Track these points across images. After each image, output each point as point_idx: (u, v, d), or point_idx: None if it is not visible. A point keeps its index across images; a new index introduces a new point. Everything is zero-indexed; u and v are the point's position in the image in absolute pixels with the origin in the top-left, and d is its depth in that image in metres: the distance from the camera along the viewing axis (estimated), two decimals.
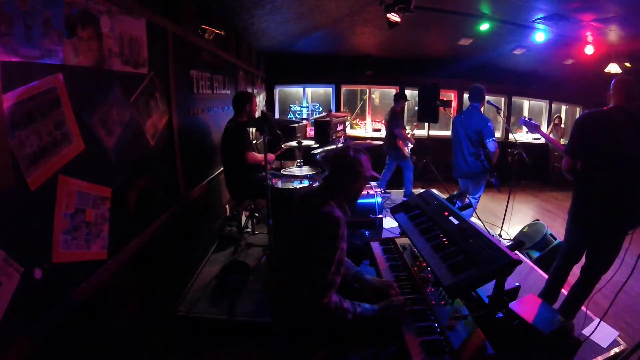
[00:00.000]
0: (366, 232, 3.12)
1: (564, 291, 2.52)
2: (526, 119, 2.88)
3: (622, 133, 2.04)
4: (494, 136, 3.62)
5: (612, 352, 2.15)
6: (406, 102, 5.53)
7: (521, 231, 3.83)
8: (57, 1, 1.29)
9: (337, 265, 1.41)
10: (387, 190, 5.38)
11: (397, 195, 5.25)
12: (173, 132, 2.44)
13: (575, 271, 2.42)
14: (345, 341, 1.56)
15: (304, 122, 5.79)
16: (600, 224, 2.14)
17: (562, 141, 6.77)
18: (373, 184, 3.39)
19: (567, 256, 2.40)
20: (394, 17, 3.71)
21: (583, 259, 2.35)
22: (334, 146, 3.44)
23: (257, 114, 3.34)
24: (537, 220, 3.90)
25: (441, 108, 5.74)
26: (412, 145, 5.24)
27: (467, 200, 3.92)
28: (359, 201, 2.98)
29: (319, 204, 1.52)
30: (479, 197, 3.93)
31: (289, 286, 1.52)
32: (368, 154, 1.69)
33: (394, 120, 5.02)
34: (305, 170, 3.12)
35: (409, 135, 5.21)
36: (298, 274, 1.48)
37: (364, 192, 3.14)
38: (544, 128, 7.81)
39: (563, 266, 2.43)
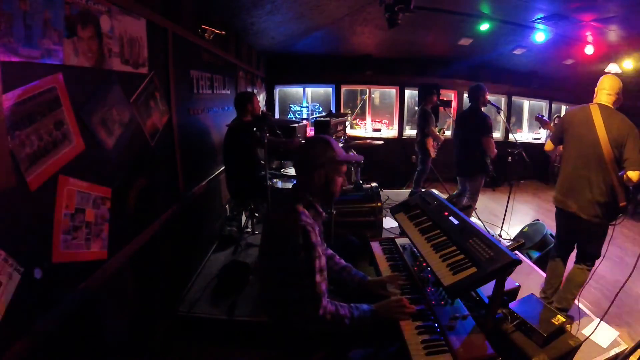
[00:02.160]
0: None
1: None
2: (540, 115, 3.26)
3: (593, 129, 2.16)
4: (490, 132, 3.63)
5: (612, 352, 2.15)
6: (437, 98, 5.30)
7: (521, 231, 3.83)
8: (57, 1, 1.29)
9: (320, 274, 1.37)
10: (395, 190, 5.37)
11: (397, 195, 5.25)
12: (173, 132, 2.44)
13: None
14: (345, 341, 1.55)
15: (304, 122, 5.80)
16: (575, 212, 2.27)
17: None
18: (373, 183, 3.38)
19: (559, 245, 2.52)
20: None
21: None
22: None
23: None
24: (537, 220, 3.90)
25: (441, 108, 5.75)
26: (439, 145, 5.18)
27: (465, 200, 3.93)
28: (359, 201, 3.02)
29: (285, 214, 1.44)
30: (477, 195, 3.94)
31: (280, 300, 1.48)
32: (331, 138, 1.53)
33: (425, 119, 5.00)
34: None
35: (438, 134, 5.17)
36: (285, 289, 1.43)
37: (364, 192, 3.13)
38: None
39: (558, 257, 2.51)
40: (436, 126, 5.28)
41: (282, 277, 1.43)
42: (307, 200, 1.49)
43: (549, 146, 2.64)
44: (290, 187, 1.63)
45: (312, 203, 1.50)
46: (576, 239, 2.44)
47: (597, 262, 2.36)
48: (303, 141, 3.33)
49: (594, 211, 2.21)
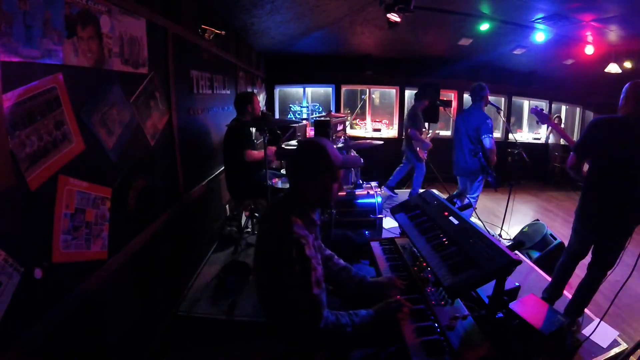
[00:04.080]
0: (366, 232, 3.12)
1: (567, 294, 2.53)
2: (538, 108, 2.91)
3: (632, 141, 2.06)
4: (491, 133, 3.63)
5: (612, 352, 2.15)
6: (430, 102, 5.19)
7: (521, 231, 3.83)
8: (57, 1, 1.29)
9: (317, 285, 1.31)
10: (396, 191, 5.32)
11: (403, 195, 5.24)
12: (173, 132, 2.44)
13: (579, 273, 2.43)
14: (345, 341, 1.55)
15: (304, 122, 5.79)
16: (605, 223, 2.18)
17: (562, 141, 6.77)
18: (373, 183, 3.39)
19: (573, 252, 2.45)
20: (394, 17, 3.71)
21: (589, 257, 2.38)
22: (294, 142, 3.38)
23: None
24: (537, 220, 3.90)
25: (441, 108, 5.75)
26: (429, 147, 5.13)
27: (466, 200, 3.93)
28: (359, 201, 3.02)
29: (278, 224, 1.36)
30: (478, 196, 3.94)
31: (279, 313, 1.44)
32: (328, 141, 1.44)
33: (411, 120, 4.98)
34: None
35: (428, 137, 5.12)
36: (283, 303, 1.37)
37: (364, 192, 3.13)
38: (544, 128, 7.82)
39: (569, 261, 2.47)
40: (425, 128, 5.24)
41: (279, 291, 1.37)
42: (300, 209, 1.41)
43: (572, 161, 2.28)
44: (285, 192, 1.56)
45: (306, 212, 1.43)
46: (597, 251, 2.31)
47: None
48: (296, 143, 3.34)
49: (631, 223, 2.14)
